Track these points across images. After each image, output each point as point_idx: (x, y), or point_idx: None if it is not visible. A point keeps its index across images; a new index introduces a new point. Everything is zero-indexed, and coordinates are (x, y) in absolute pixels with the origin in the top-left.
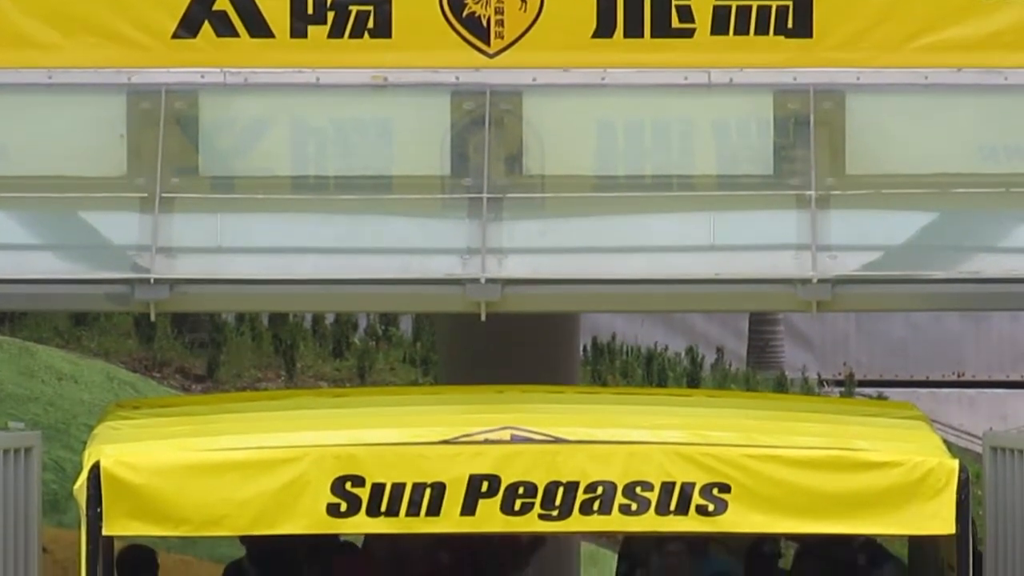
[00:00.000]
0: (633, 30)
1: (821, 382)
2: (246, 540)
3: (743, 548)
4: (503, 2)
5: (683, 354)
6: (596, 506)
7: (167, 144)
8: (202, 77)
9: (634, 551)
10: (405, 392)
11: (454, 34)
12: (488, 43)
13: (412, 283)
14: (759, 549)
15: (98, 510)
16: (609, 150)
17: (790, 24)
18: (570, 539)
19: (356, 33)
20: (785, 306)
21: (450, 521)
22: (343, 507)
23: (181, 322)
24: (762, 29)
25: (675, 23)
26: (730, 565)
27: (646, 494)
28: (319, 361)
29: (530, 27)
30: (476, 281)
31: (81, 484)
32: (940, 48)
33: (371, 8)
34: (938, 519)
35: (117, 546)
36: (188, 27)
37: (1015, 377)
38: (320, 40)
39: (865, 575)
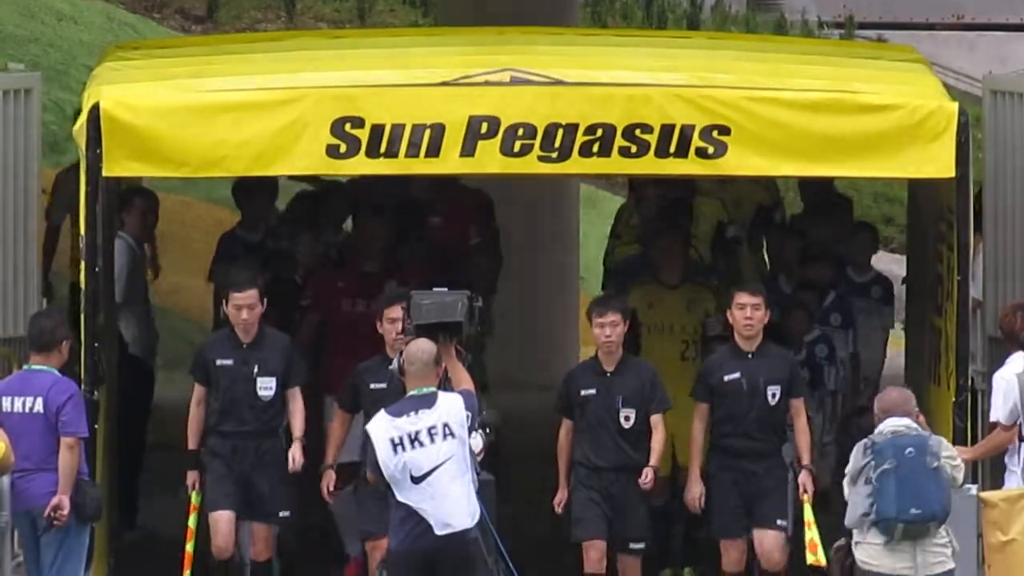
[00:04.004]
0: None
1: (821, 24)
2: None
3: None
4: None
5: None
6: (595, 148)
7: None
8: None
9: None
10: (405, 34)
11: None
12: None
13: None
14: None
15: (98, 151)
16: None
17: None
18: (569, 181)
19: None
20: None
21: (449, 162)
22: (342, 148)
23: None
24: None
25: None
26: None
27: (645, 136)
28: (319, 2)
29: None
30: None
31: (81, 125)
32: None
33: None
34: (938, 162)
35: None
36: None
37: (1015, 20)
38: None
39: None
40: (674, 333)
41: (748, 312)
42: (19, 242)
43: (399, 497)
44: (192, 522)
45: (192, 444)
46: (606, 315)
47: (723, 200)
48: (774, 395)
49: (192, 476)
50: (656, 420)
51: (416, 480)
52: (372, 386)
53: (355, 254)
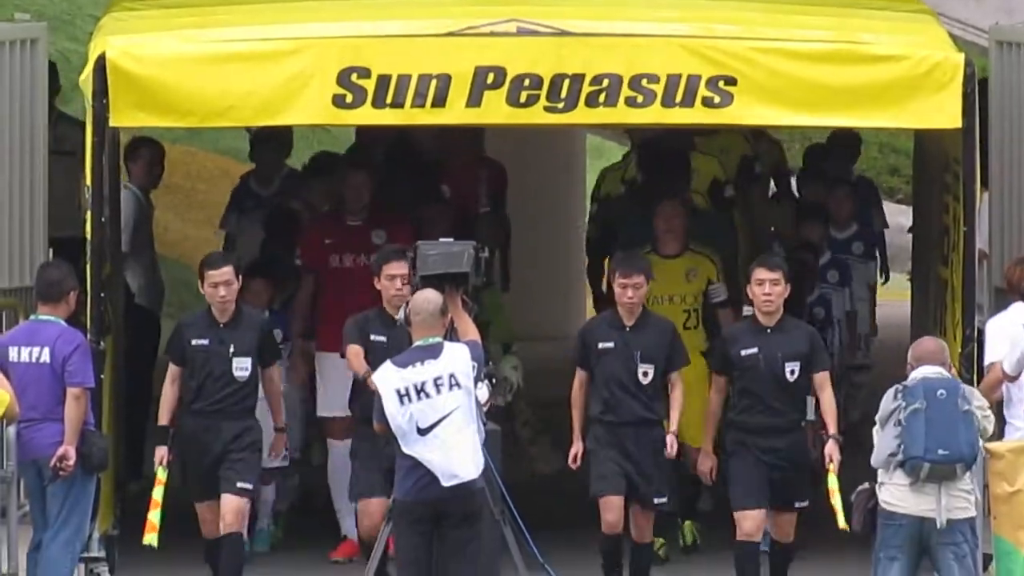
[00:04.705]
0: None
1: None
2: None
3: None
4: None
5: None
6: (602, 98)
7: None
8: None
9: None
10: None
11: None
12: None
13: None
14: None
15: (104, 101)
16: None
17: None
18: (575, 131)
19: None
20: None
21: (455, 113)
22: (348, 98)
23: None
24: None
25: None
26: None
27: (652, 86)
28: None
29: None
30: None
31: (87, 76)
32: None
33: None
34: (944, 113)
35: (123, 138)
36: None
37: None
38: None
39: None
40: (675, 303)
41: (767, 288)
42: (25, 193)
43: (404, 449)
44: (158, 494)
45: (163, 420)
46: (632, 276)
47: (719, 159)
48: (792, 372)
49: (160, 452)
50: (675, 377)
51: (422, 432)
52: (372, 338)
53: (340, 208)
